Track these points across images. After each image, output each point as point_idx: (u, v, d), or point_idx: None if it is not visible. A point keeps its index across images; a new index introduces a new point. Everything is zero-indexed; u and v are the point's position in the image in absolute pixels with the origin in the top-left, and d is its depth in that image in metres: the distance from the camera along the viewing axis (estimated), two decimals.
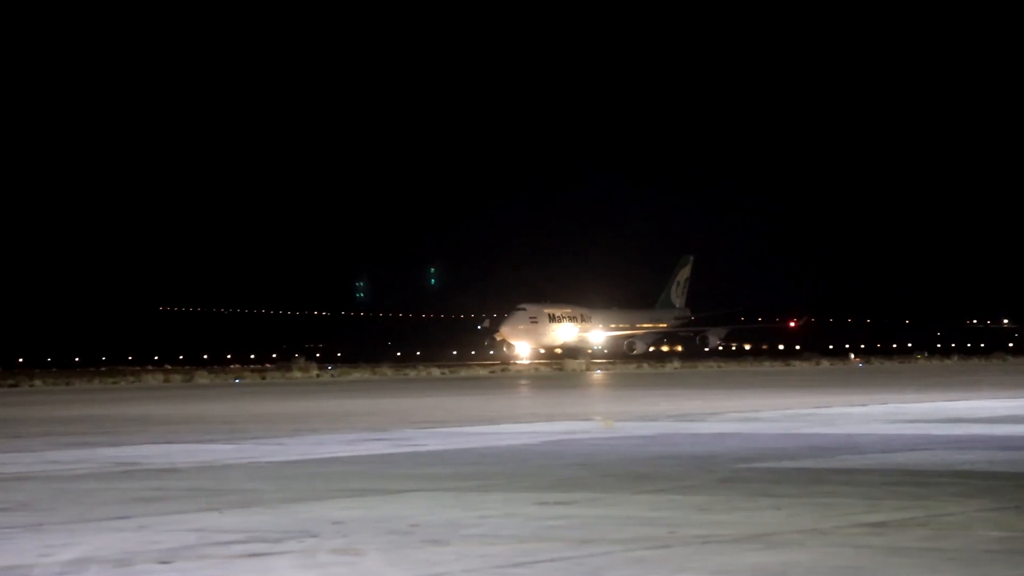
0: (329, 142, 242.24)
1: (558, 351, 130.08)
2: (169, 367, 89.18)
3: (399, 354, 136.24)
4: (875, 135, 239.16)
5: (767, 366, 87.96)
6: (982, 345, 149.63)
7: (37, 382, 63.03)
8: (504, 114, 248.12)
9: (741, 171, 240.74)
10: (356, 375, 72.81)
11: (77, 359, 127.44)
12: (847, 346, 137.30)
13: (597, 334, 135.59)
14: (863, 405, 32.56)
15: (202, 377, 69.01)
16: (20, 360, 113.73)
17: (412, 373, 73.65)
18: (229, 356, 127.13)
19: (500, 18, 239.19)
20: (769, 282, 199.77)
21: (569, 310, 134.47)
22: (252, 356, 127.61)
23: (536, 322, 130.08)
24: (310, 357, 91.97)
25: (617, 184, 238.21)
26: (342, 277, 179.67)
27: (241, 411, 34.02)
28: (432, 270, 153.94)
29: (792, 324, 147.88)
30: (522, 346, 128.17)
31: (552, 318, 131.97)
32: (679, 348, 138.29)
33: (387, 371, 75.19)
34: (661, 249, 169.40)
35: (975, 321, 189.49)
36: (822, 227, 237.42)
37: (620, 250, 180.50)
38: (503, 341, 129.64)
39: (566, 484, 14.92)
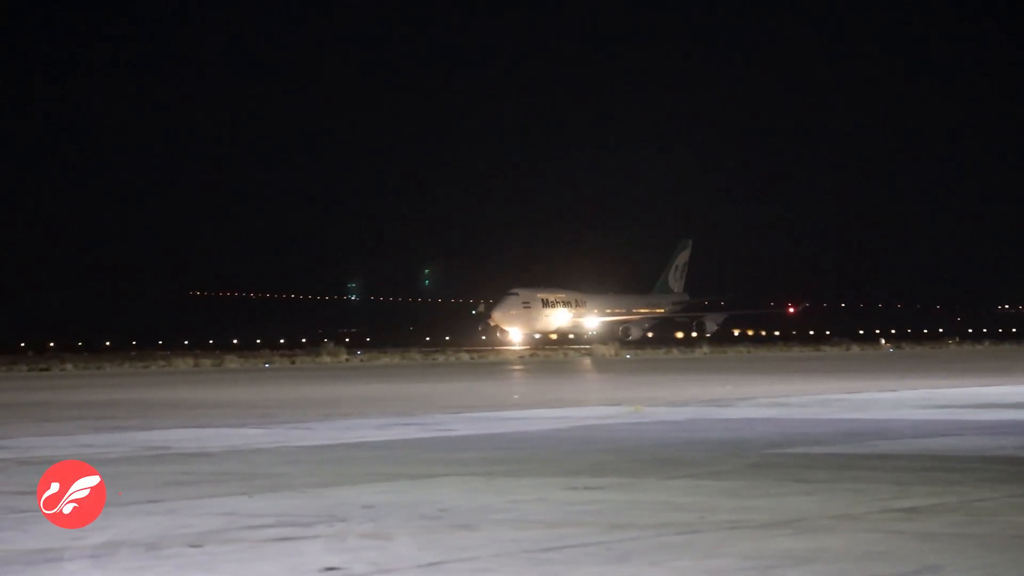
0: (329, 141, 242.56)
1: (552, 336, 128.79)
2: (199, 351, 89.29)
3: (427, 339, 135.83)
4: (904, 112, 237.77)
5: (796, 351, 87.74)
6: (1013, 330, 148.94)
7: (68, 366, 63.26)
8: (499, 94, 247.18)
9: (766, 152, 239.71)
10: (385, 360, 72.91)
11: (108, 343, 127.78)
12: (877, 331, 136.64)
13: (591, 319, 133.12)
14: (894, 390, 32.46)
15: (232, 362, 69.11)
16: (51, 344, 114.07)
17: (440, 358, 73.73)
18: (259, 341, 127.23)
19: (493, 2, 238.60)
20: (775, 268, 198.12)
21: (563, 295, 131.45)
22: (282, 341, 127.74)
23: (529, 307, 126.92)
24: (339, 342, 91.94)
25: (615, 166, 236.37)
26: (337, 269, 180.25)
27: (271, 396, 34.09)
28: (427, 271, 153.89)
29: (791, 310, 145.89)
30: (515, 331, 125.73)
31: (545, 303, 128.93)
32: (679, 335, 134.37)
33: (416, 356, 75.31)
34: (659, 232, 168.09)
35: (1007, 306, 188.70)
36: (852, 211, 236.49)
37: (617, 234, 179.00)
38: (496, 327, 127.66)
39: (596, 469, 14.92)
